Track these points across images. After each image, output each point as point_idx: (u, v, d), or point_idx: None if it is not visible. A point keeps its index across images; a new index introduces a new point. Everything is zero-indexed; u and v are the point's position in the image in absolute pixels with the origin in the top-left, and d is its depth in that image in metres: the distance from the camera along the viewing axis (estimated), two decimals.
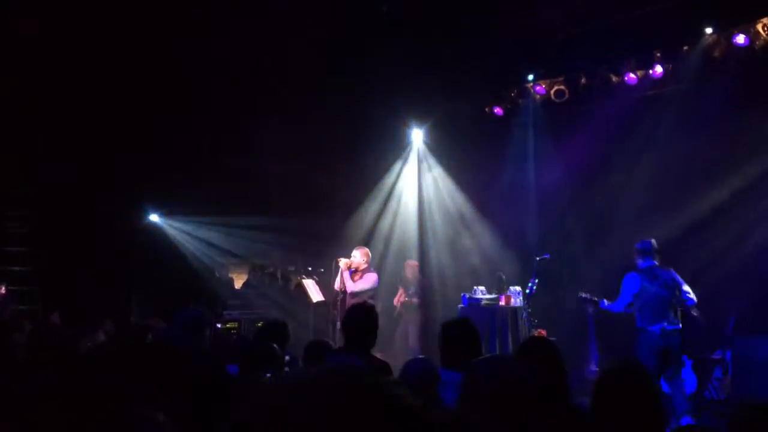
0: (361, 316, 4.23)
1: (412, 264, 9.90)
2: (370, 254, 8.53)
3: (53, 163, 10.03)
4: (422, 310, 9.65)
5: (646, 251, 6.62)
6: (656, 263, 6.60)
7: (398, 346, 9.23)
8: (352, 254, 8.40)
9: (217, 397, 2.22)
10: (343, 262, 8.30)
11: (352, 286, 8.26)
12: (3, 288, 9.28)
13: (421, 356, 4.13)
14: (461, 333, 3.68)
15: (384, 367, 4.00)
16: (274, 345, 3.94)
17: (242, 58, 9.23)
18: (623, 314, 6.87)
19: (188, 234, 11.28)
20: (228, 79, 9.64)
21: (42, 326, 7.31)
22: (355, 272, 8.37)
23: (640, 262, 6.65)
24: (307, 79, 9.66)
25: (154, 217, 11.20)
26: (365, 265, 8.37)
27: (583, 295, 7.29)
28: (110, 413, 1.78)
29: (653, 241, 6.69)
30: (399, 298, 9.62)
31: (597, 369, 7.85)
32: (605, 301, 7.05)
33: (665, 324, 6.43)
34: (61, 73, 8.98)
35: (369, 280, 8.32)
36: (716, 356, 7.39)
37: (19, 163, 9.97)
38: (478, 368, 2.22)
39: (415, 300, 9.56)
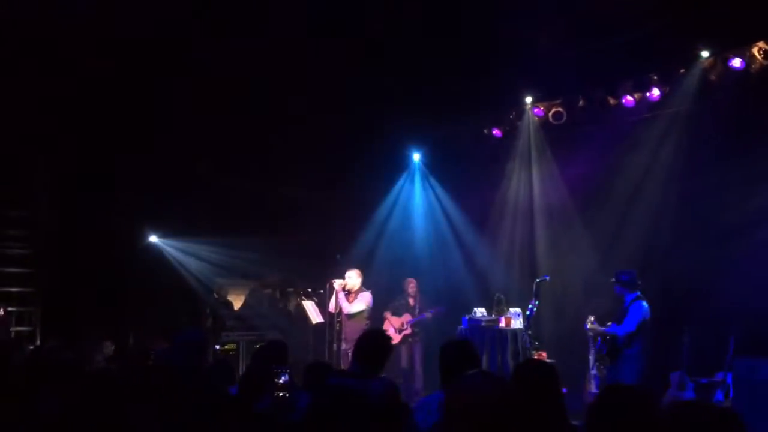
0: (376, 342, 4.07)
1: (412, 281, 9.61)
2: (361, 275, 8.56)
3: (53, 183, 10.05)
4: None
5: (634, 281, 6.92)
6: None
7: (403, 367, 9.05)
8: (347, 275, 8.43)
9: (217, 417, 2.22)
10: (337, 283, 8.33)
11: (348, 308, 8.29)
12: (1, 310, 9.25)
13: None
14: (461, 354, 3.67)
15: (394, 387, 3.91)
16: (272, 366, 3.90)
17: (244, 80, 9.26)
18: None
19: (187, 254, 11.26)
20: (231, 101, 9.67)
21: (41, 348, 7.30)
22: (349, 293, 8.41)
23: (629, 291, 6.90)
24: (307, 101, 9.70)
25: (153, 238, 11.20)
26: (359, 286, 8.44)
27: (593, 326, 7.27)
28: None
29: (636, 271, 7.00)
30: (403, 319, 9.35)
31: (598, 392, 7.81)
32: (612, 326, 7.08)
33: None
34: (60, 91, 8.98)
35: (364, 300, 8.39)
36: (717, 378, 7.35)
37: (19, 184, 9.99)
38: (457, 384, 2.13)
39: (428, 314, 9.27)
